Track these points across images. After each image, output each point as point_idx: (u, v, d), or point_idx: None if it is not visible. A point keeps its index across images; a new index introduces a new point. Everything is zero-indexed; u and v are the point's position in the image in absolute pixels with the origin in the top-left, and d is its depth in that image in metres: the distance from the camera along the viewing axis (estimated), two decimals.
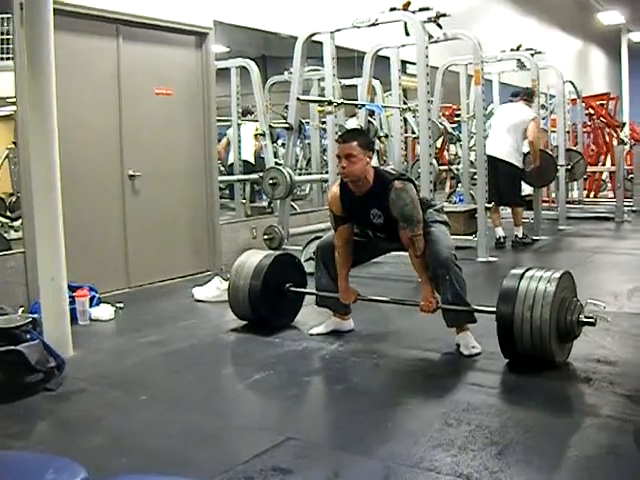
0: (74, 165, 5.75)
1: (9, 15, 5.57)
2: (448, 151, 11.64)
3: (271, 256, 5.19)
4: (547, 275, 4.05)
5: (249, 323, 5.20)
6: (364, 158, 4.37)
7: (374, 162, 5.04)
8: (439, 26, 7.26)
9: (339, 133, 6.42)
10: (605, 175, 14.47)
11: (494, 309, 4.11)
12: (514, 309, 3.98)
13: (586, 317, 4.05)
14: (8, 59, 5.78)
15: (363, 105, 8.12)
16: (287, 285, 5.12)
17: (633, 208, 11.98)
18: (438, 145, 10.55)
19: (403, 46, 8.16)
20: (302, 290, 5.24)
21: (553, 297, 3.93)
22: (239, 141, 9.11)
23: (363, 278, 6.12)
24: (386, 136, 9.66)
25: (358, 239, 4.76)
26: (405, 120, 9.85)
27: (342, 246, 4.69)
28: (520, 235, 8.86)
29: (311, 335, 4.91)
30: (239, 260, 5.24)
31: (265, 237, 7.19)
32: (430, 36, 7.15)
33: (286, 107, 7.81)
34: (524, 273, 4.13)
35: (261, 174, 7.72)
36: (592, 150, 13.86)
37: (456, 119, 10.89)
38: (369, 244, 4.82)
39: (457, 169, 10.78)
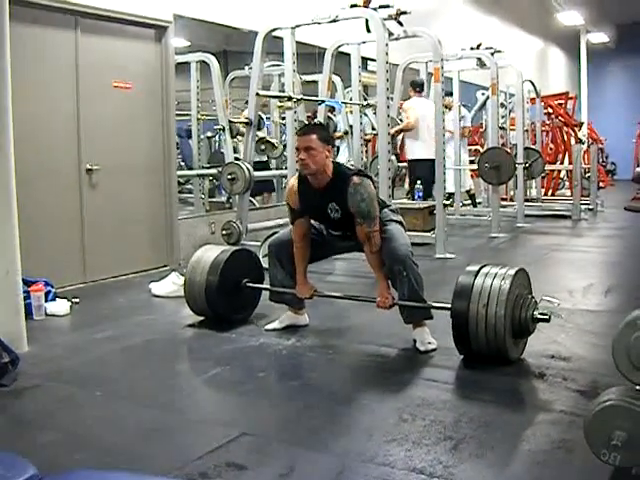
0: (30, 158, 5.70)
1: None
2: None
3: (228, 251, 5.17)
4: (502, 272, 4.09)
5: (206, 319, 5.18)
6: (323, 151, 4.38)
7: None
8: (400, 23, 7.28)
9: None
10: (563, 174, 14.65)
11: (449, 305, 4.15)
12: (469, 306, 4.01)
13: (540, 314, 4.10)
14: None
15: (323, 101, 8.12)
16: (244, 281, 5.11)
17: (590, 206, 12.15)
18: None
19: (364, 43, 8.18)
20: (259, 286, 5.22)
21: (508, 294, 3.96)
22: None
23: (319, 274, 6.13)
24: (346, 133, 9.66)
25: (312, 237, 4.77)
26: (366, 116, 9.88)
27: (300, 240, 4.69)
28: None
29: (267, 331, 4.91)
30: (195, 255, 5.21)
31: (223, 232, 7.15)
32: (390, 33, 7.17)
33: (246, 102, 7.77)
34: (479, 270, 4.16)
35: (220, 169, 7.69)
36: (550, 149, 14.01)
37: None
38: (322, 243, 4.82)
39: None
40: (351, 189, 4.36)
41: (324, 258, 5.19)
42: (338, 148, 10.16)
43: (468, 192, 12.12)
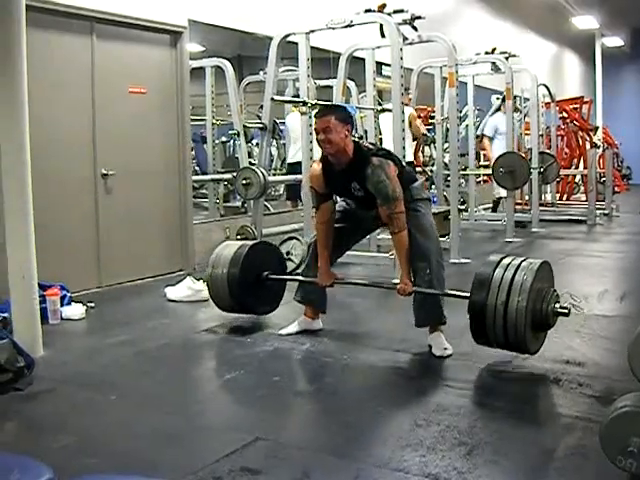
0: (46, 163, 5.71)
1: None
2: (422, 153, 11.68)
3: (247, 245, 5.19)
4: (525, 264, 4.02)
5: (220, 324, 5.22)
6: (342, 131, 4.38)
7: None
8: (414, 28, 7.27)
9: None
10: (578, 178, 14.59)
11: (467, 295, 4.10)
12: (488, 296, 3.95)
13: (561, 307, 4.04)
14: None
15: None
16: (265, 273, 5.12)
17: (605, 211, 12.10)
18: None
19: (378, 47, 8.16)
20: (281, 277, 5.24)
21: (530, 286, 3.89)
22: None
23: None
24: (360, 137, 9.66)
25: (344, 224, 4.78)
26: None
27: (324, 223, 4.70)
28: None
29: (281, 335, 4.91)
30: (215, 252, 5.23)
31: (238, 237, 7.16)
32: (405, 38, 7.16)
33: (261, 107, 7.79)
34: (500, 261, 4.09)
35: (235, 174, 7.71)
36: (565, 153, 13.96)
37: (430, 121, 10.92)
38: (356, 223, 4.83)
39: (431, 171, 10.81)
40: (369, 170, 4.36)
41: (363, 237, 5.20)
42: None
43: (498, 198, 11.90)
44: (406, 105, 9.44)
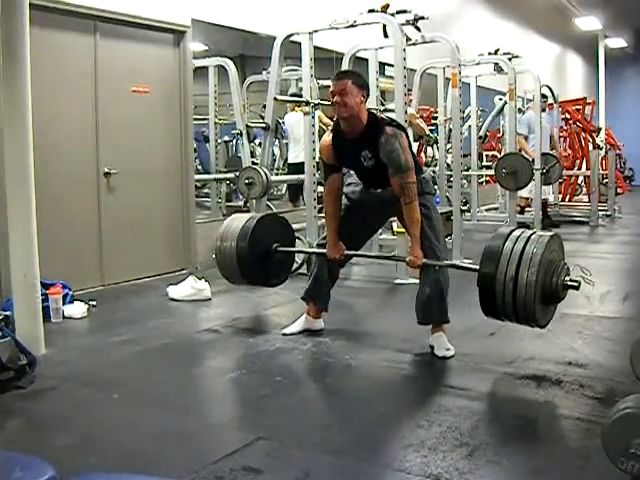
0: (49, 162, 5.73)
1: None
2: (425, 153, 11.67)
3: (256, 217, 5.20)
4: (535, 237, 3.98)
5: (222, 323, 5.23)
6: (358, 95, 4.39)
7: None
8: (417, 29, 7.26)
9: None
10: (580, 179, 14.57)
11: (477, 267, 4.08)
12: (497, 269, 3.91)
13: (571, 280, 3.99)
14: None
15: None
16: (275, 245, 5.13)
17: (607, 212, 12.09)
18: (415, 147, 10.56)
19: (381, 48, 8.15)
20: (289, 249, 5.25)
21: (540, 259, 3.85)
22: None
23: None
24: None
25: (351, 219, 4.76)
26: None
27: (331, 193, 4.71)
28: None
29: (284, 335, 4.90)
30: (224, 224, 5.25)
31: None
32: (408, 38, 7.15)
33: (264, 107, 7.79)
34: (510, 233, 4.06)
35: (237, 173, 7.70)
36: (568, 154, 13.93)
37: (433, 121, 10.91)
38: (363, 215, 4.80)
39: (434, 171, 10.79)
40: (382, 139, 4.37)
41: (369, 233, 5.22)
42: None
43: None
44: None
